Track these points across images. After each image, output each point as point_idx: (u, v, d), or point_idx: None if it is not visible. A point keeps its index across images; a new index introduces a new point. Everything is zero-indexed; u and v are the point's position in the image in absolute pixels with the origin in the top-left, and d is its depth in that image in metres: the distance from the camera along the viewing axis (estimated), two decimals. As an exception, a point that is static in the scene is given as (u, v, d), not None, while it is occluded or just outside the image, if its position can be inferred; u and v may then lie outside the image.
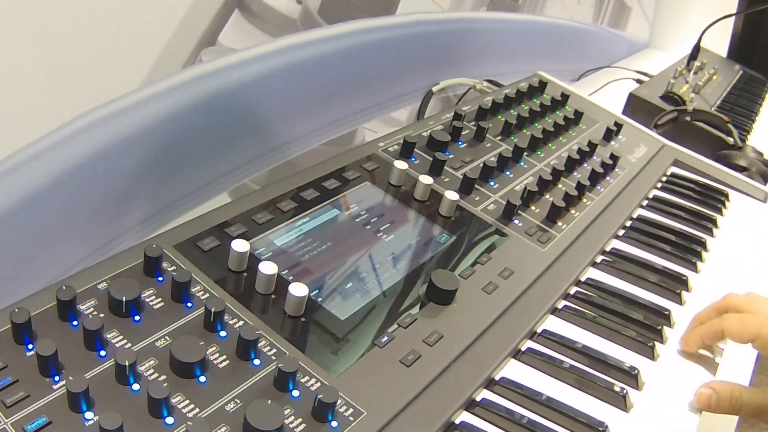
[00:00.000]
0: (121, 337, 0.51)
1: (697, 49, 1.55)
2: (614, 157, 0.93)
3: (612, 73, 1.63)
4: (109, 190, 0.70)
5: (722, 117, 1.25)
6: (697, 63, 1.55)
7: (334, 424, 0.49)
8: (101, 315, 0.52)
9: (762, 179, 1.15)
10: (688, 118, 1.24)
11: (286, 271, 0.60)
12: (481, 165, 0.81)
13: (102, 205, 0.70)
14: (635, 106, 1.30)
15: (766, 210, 1.02)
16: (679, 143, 1.11)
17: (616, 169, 0.94)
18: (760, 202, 1.03)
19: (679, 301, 0.74)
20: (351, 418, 0.50)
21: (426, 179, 0.74)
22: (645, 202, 0.93)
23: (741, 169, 1.14)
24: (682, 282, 0.76)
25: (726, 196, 1.01)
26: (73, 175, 0.66)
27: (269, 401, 0.47)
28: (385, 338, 0.57)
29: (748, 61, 1.93)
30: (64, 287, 0.51)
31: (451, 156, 0.83)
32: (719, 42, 2.02)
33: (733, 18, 1.97)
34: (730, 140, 1.22)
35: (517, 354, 0.62)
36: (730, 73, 1.74)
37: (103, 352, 0.49)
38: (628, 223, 0.87)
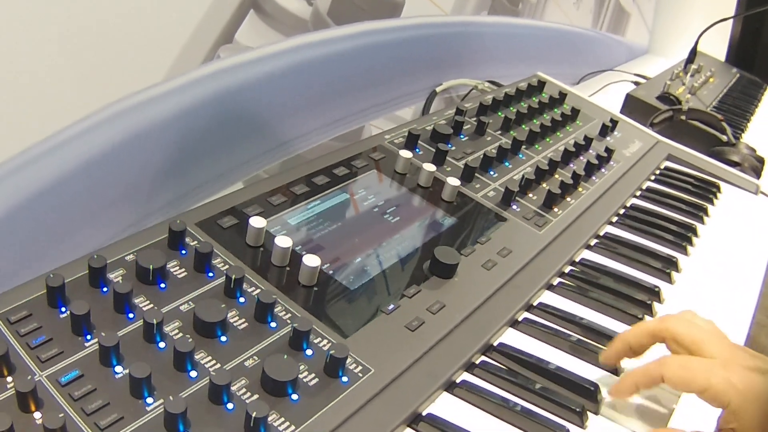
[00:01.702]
0: (148, 302, 0.55)
1: (693, 52, 1.60)
2: (609, 151, 0.98)
3: (611, 77, 1.68)
4: (132, 177, 0.75)
5: (716, 116, 1.29)
6: (694, 66, 1.60)
7: (345, 379, 0.53)
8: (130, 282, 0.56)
9: (755, 174, 1.19)
10: (683, 117, 1.29)
11: (300, 246, 0.65)
12: (482, 156, 0.86)
13: (125, 190, 0.75)
14: (632, 106, 1.34)
15: (757, 201, 1.06)
16: (674, 142, 1.15)
17: (611, 162, 0.98)
18: (751, 194, 1.07)
19: (669, 280, 0.78)
20: (360, 375, 0.54)
21: (429, 167, 0.79)
22: (638, 193, 0.97)
23: (734, 165, 1.18)
24: (672, 263, 0.81)
25: (717, 187, 1.05)
26: (99, 162, 0.71)
27: (285, 356, 0.52)
28: (392, 306, 0.61)
29: (747, 66, 1.98)
30: (95, 256, 0.55)
31: (453, 148, 0.88)
32: (719, 48, 2.07)
33: (731, 23, 2.02)
34: (724, 138, 1.27)
35: (514, 324, 0.66)
36: (728, 76, 1.78)
37: (131, 315, 0.54)
38: (622, 211, 0.91)
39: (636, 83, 1.61)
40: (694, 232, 0.89)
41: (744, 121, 1.50)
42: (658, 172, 1.06)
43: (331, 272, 0.63)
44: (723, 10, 1.79)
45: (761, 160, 1.23)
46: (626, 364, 0.64)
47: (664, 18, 2.05)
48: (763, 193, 1.13)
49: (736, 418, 0.53)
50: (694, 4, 1.97)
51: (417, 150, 0.85)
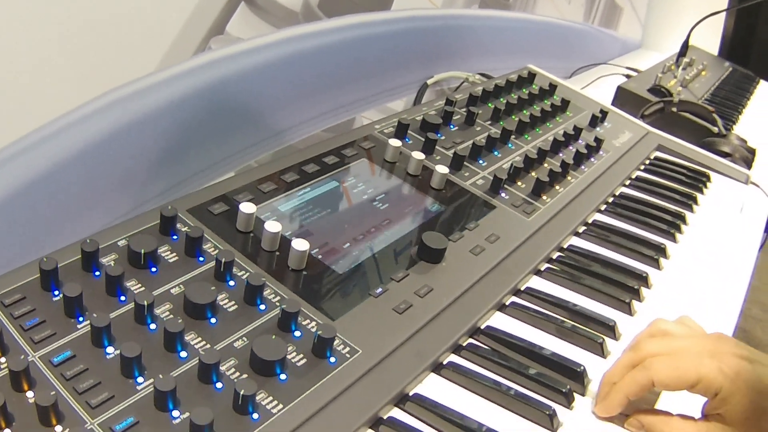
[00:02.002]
0: (140, 285, 0.56)
1: (685, 46, 1.61)
2: (598, 141, 0.99)
3: (603, 71, 1.69)
4: (126, 166, 0.76)
5: (707, 107, 1.30)
6: (686, 59, 1.61)
7: (332, 359, 0.54)
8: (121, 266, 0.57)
9: (745, 165, 1.20)
10: (674, 109, 1.29)
11: (289, 232, 0.66)
12: (471, 145, 0.87)
13: (120, 179, 0.76)
14: (623, 98, 1.35)
15: (747, 190, 1.07)
16: (665, 133, 1.16)
17: (600, 152, 0.99)
18: (741, 184, 1.08)
19: (657, 266, 0.79)
20: (347, 355, 0.55)
21: (418, 155, 0.79)
22: (627, 182, 0.98)
23: (725, 155, 1.19)
24: (660, 250, 0.81)
25: (707, 177, 1.06)
26: (93, 151, 0.72)
27: (274, 336, 0.53)
28: (380, 289, 0.62)
29: (741, 61, 1.98)
30: (88, 240, 0.56)
31: (442, 137, 0.89)
32: (712, 43, 2.08)
33: (724, 19, 2.03)
34: (715, 129, 1.28)
35: (501, 308, 0.67)
36: (720, 70, 1.79)
37: (123, 298, 0.55)
38: (611, 200, 0.92)
39: (628, 76, 1.62)
40: (683, 219, 0.90)
41: (736, 113, 1.51)
42: (647, 162, 1.07)
43: (320, 257, 0.64)
44: (716, 5, 1.80)
45: (752, 151, 1.24)
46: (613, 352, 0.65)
47: (657, 13, 2.06)
48: (753, 183, 1.14)
49: (724, 404, 0.53)
50: (687, -2, 1.98)
51: (407, 139, 0.86)
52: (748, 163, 1.22)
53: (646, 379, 0.54)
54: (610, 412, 0.57)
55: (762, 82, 1.86)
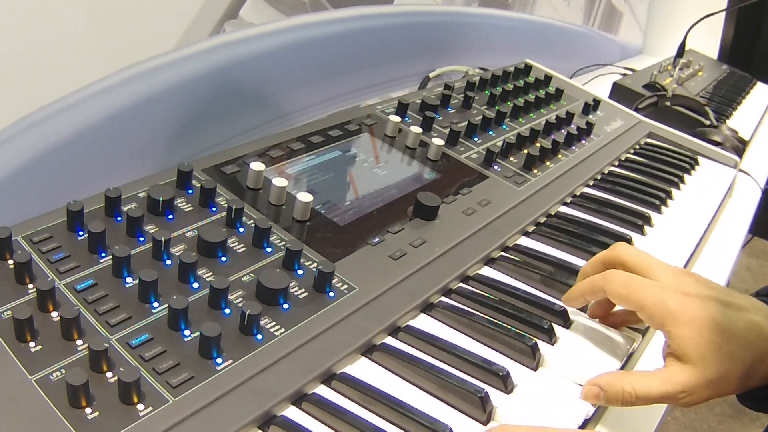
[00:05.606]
0: (157, 228, 0.62)
1: (682, 47, 1.65)
2: (590, 125, 1.04)
3: (602, 71, 1.74)
4: (144, 137, 0.83)
5: (700, 101, 1.35)
6: (683, 60, 1.65)
7: (331, 294, 0.60)
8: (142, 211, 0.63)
9: (736, 154, 1.24)
10: (667, 103, 1.34)
11: (295, 191, 0.71)
12: (467, 123, 0.92)
13: (138, 148, 0.82)
14: (619, 94, 1.40)
15: (735, 174, 1.11)
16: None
17: (592, 135, 1.04)
18: (729, 168, 1.12)
19: (641, 232, 0.83)
20: (345, 291, 0.60)
21: (416, 129, 0.85)
22: (617, 163, 1.03)
23: (715, 144, 1.23)
24: (645, 218, 0.86)
25: (696, 160, 1.10)
26: (112, 121, 0.79)
27: (278, 269, 0.58)
28: (377, 239, 0.67)
29: (744, 67, 2.02)
30: (111, 188, 0.62)
31: (440, 118, 0.94)
32: (715, 50, 2.13)
33: (723, 24, 2.08)
34: (707, 122, 1.32)
35: (489, 262, 0.72)
36: (717, 71, 1.84)
37: (141, 238, 0.60)
38: (599, 176, 0.97)
39: (624, 75, 1.67)
40: (669, 195, 0.95)
41: (729, 109, 1.55)
42: (638, 146, 1.11)
43: (323, 211, 0.70)
44: (715, 8, 1.85)
45: (743, 141, 1.29)
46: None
47: (658, 18, 2.12)
48: (742, 170, 1.19)
49: (672, 340, 0.54)
50: (687, 4, 2.02)
51: (406, 118, 0.92)
52: (739, 153, 1.26)
53: (600, 286, 0.59)
54: (569, 303, 0.64)
55: (759, 83, 1.90)
